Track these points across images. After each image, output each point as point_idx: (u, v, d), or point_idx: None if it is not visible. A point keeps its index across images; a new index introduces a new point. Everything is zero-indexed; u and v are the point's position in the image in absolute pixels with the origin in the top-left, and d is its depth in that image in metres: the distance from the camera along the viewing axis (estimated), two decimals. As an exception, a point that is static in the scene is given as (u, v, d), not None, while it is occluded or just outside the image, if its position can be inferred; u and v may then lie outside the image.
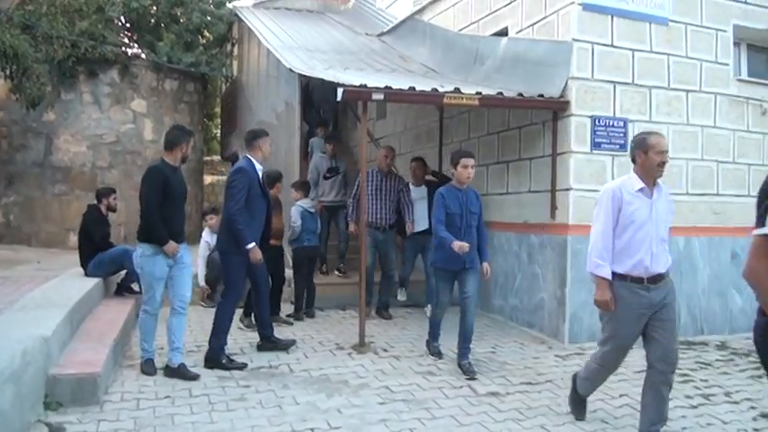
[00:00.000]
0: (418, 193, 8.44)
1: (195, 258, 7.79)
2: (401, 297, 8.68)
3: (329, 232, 9.58)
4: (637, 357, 6.65)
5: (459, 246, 5.74)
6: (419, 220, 8.32)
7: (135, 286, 8.39)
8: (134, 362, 6.00)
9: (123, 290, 8.24)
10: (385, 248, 8.30)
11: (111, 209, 8.34)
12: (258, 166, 6.22)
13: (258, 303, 6.58)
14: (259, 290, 6.52)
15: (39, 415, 4.38)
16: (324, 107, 11.78)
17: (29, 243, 12.25)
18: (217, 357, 5.90)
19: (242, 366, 5.88)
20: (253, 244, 5.99)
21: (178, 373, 5.51)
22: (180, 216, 5.71)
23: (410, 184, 8.56)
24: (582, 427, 4.67)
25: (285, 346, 6.57)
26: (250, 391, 5.26)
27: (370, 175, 7.99)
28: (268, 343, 6.56)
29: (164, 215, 5.44)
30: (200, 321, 7.62)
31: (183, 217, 5.86)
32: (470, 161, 6.01)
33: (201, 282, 8.74)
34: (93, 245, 7.96)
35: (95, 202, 8.32)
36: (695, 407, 5.15)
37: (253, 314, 7.04)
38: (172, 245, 5.43)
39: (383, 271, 8.37)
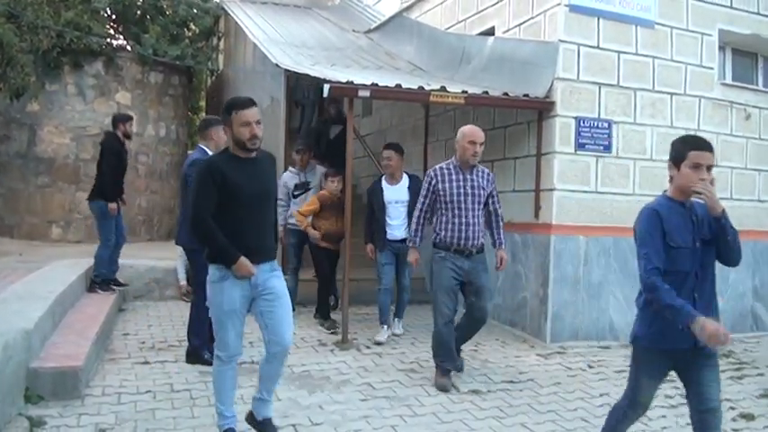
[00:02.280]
0: (394, 193, 7.12)
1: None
2: (397, 331, 7.34)
3: (299, 265, 8.12)
4: (616, 357, 6.72)
5: (709, 331, 3.04)
6: (399, 226, 7.03)
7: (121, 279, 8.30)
8: (115, 356, 5.98)
9: (96, 286, 7.87)
10: (477, 282, 5.59)
11: (127, 135, 8.07)
12: None
13: None
14: None
15: (19, 408, 4.36)
16: (305, 103, 11.53)
17: (11, 235, 12.13)
18: (198, 353, 5.85)
19: None
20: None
21: (260, 425, 4.32)
22: (256, 226, 4.10)
23: (383, 179, 7.28)
24: (563, 426, 4.71)
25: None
26: (232, 386, 5.25)
27: (443, 173, 5.64)
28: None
29: (227, 225, 3.98)
30: (181, 316, 7.59)
31: (264, 228, 4.18)
32: (709, 157, 3.33)
33: (182, 279, 8.70)
34: (111, 172, 7.77)
35: (112, 129, 8.08)
36: (675, 407, 5.20)
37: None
38: (243, 263, 3.94)
39: (473, 315, 5.70)
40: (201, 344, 5.88)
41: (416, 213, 5.83)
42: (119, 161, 7.93)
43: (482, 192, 5.61)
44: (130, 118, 8.31)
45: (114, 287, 8.02)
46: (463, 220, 5.50)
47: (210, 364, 5.69)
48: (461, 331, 5.80)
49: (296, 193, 8.01)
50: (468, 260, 5.53)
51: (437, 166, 5.71)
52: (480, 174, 5.66)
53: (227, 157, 4.08)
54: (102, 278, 7.94)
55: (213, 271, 4.06)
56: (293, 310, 7.44)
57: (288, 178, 8.10)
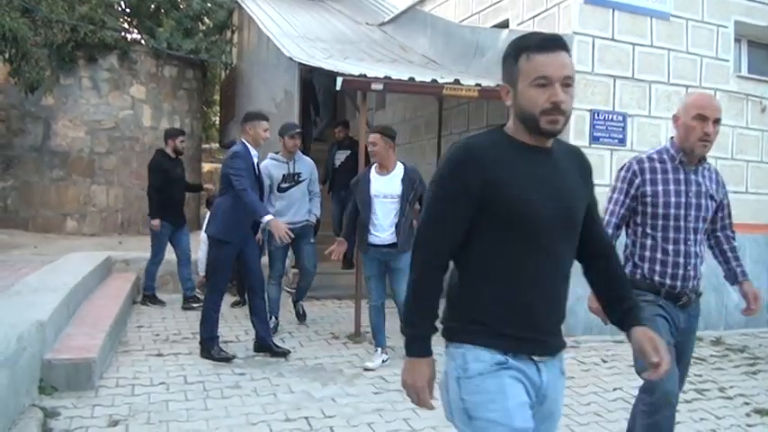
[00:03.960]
0: (384, 185, 5.74)
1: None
2: (372, 365, 5.77)
3: (284, 272, 7.19)
4: (629, 351, 6.68)
5: None
6: (386, 228, 5.69)
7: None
8: (129, 348, 6.01)
9: (147, 299, 8.01)
10: (684, 352, 3.42)
11: (178, 152, 7.99)
12: (253, 152, 5.81)
13: (253, 300, 5.97)
14: (254, 287, 5.97)
15: (33, 399, 4.38)
16: (322, 97, 11.48)
17: (25, 228, 12.22)
18: (207, 347, 5.79)
19: (230, 358, 5.72)
20: (270, 216, 5.58)
21: None
22: (549, 284, 2.27)
23: (373, 168, 5.84)
24: (576, 420, 4.68)
25: (282, 353, 5.93)
26: (245, 378, 5.27)
27: (653, 168, 3.44)
28: (264, 345, 5.98)
29: (492, 275, 2.12)
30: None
31: (560, 286, 2.37)
32: None
33: (202, 271, 8.71)
34: (157, 192, 7.70)
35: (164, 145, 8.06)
36: (689, 401, 5.16)
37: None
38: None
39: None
40: (210, 338, 5.83)
41: (607, 229, 3.33)
42: (165, 178, 7.75)
43: (711, 203, 3.40)
44: (182, 132, 8.26)
45: (151, 303, 8.03)
46: (682, 246, 3.33)
47: (218, 359, 5.69)
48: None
49: (283, 185, 6.71)
50: (684, 312, 3.36)
51: (642, 156, 3.52)
52: (707, 173, 3.44)
53: (500, 140, 2.07)
54: (150, 292, 8.06)
55: (474, 353, 2.18)
56: (276, 322, 6.93)
57: (272, 167, 6.71)
